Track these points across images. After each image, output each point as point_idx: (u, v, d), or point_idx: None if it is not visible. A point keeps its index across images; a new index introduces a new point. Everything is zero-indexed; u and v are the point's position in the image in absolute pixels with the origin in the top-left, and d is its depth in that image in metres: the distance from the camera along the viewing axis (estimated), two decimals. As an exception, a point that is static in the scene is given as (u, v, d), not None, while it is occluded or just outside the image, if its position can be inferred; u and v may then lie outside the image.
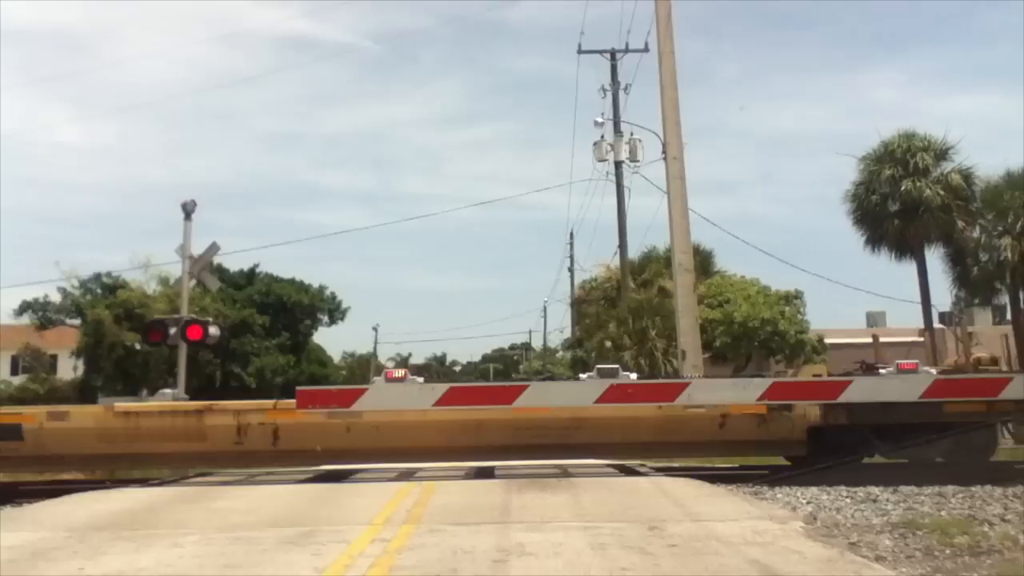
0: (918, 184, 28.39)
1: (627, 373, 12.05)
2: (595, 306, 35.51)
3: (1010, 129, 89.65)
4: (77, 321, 33.68)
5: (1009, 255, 26.74)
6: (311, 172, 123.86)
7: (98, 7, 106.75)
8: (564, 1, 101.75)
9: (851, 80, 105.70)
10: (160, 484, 12.40)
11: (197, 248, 18.83)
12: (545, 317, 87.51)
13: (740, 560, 6.21)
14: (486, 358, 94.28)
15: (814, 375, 17.53)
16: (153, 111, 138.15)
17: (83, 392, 30.68)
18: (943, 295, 35.20)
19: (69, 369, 38.68)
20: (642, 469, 13.37)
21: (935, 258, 29.79)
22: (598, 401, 11.72)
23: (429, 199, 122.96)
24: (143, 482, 12.72)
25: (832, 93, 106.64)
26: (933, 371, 12.45)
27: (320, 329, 40.27)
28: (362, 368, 64.74)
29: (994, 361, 23.20)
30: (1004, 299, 31.46)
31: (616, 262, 33.44)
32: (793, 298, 31.32)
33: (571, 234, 54.17)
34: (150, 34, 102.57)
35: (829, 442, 12.08)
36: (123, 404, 12.68)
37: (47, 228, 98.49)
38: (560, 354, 54.35)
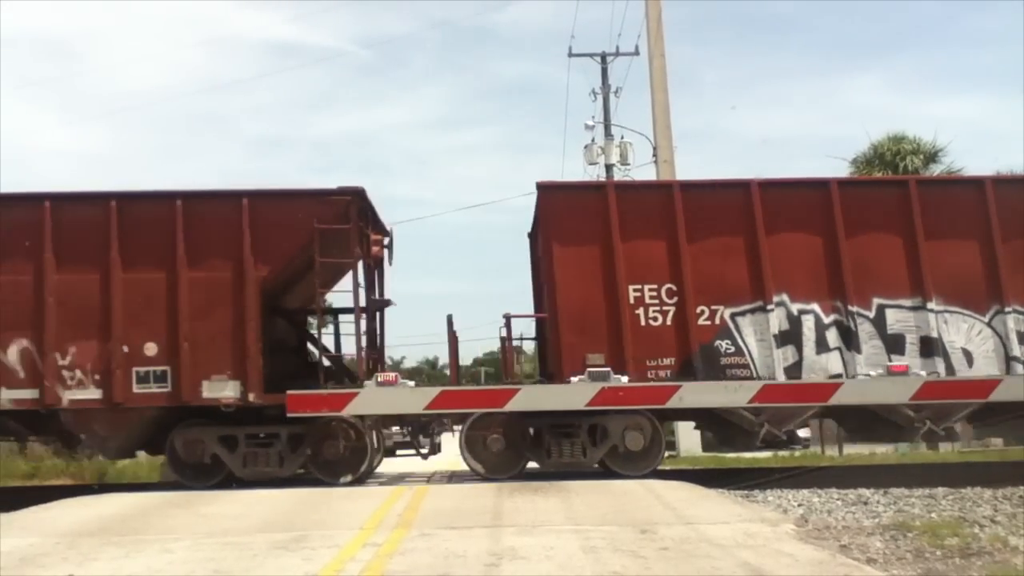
0: (907, 187, 28.38)
1: (618, 376, 12.00)
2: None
3: (992, 132, 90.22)
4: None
5: (998, 258, 26.79)
6: (300, 176, 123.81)
7: (86, 12, 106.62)
8: (552, 6, 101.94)
9: (836, 85, 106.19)
10: (149, 489, 12.34)
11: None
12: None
13: (731, 563, 6.21)
14: (477, 362, 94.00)
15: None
16: (142, 115, 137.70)
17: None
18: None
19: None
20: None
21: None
22: (589, 404, 11.71)
23: (417, 203, 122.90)
24: (132, 487, 12.66)
25: (817, 98, 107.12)
26: (923, 373, 12.45)
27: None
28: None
29: None
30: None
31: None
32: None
33: (562, 237, 53.95)
34: (138, 39, 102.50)
35: None
36: None
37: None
38: (551, 357, 54.10)
